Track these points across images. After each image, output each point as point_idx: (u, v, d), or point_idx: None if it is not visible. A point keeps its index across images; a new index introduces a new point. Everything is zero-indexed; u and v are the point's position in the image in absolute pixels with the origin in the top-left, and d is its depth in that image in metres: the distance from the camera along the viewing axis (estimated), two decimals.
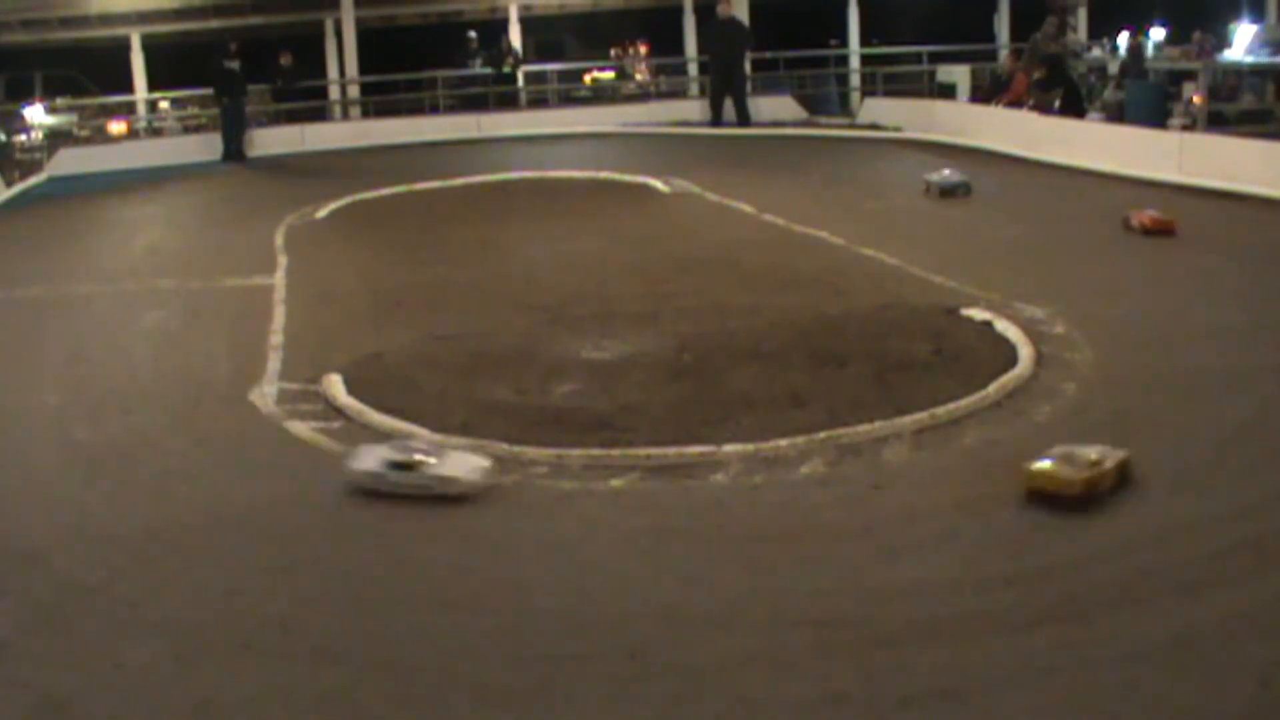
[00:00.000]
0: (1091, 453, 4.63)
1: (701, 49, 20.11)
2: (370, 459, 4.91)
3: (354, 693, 3.51)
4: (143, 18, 20.33)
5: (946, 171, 11.52)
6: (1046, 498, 4.50)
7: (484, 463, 4.93)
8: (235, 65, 16.57)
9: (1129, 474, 4.65)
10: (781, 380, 5.99)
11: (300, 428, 5.74)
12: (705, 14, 19.39)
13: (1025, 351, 6.23)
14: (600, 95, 22.13)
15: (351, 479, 4.89)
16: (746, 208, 10.95)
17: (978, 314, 6.93)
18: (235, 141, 16.47)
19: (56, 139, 18.10)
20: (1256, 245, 8.75)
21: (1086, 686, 3.36)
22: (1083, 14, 20.26)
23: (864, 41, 21.54)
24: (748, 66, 18.44)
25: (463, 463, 4.90)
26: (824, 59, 21.31)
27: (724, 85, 17.35)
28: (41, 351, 7.37)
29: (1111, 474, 4.60)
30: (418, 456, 4.85)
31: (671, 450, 5.17)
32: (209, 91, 17.15)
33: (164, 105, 20.52)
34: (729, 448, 5.17)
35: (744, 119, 17.12)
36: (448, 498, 4.74)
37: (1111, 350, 6.30)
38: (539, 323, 7.34)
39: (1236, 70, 15.08)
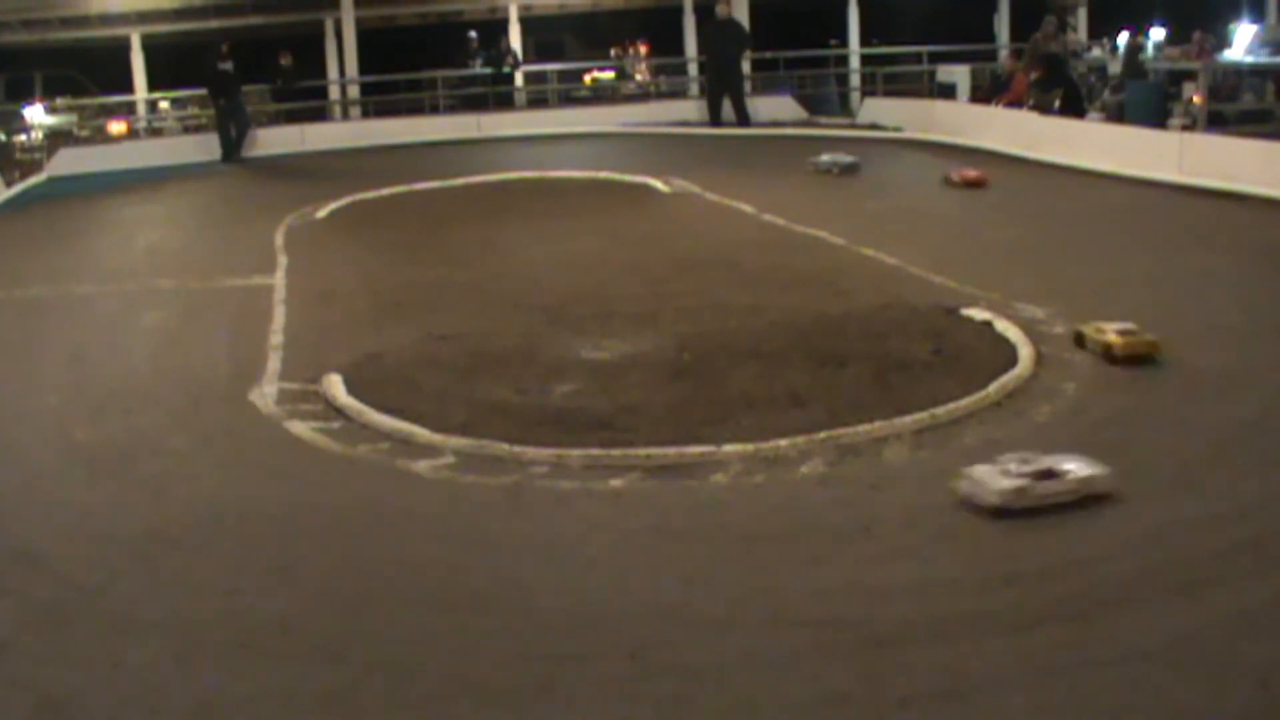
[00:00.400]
0: (1115, 325, 6.15)
1: (700, 49, 20.11)
2: (997, 479, 4.51)
3: (354, 693, 3.51)
4: (143, 18, 20.36)
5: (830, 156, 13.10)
6: (1141, 361, 5.95)
7: (1092, 463, 4.62)
8: (229, 66, 16.54)
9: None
10: (781, 380, 5.99)
11: (300, 428, 5.74)
12: (705, 14, 19.40)
13: (1025, 351, 6.23)
14: (600, 95, 22.15)
15: (983, 501, 4.47)
16: (746, 208, 10.95)
17: (978, 314, 6.92)
18: (234, 142, 16.47)
19: (56, 139, 18.10)
20: (1257, 245, 8.77)
21: (1086, 686, 3.36)
22: (1083, 14, 20.29)
23: (864, 41, 21.56)
24: (746, 67, 18.45)
25: (1076, 463, 4.63)
26: (824, 59, 21.33)
27: (720, 85, 17.35)
28: (41, 351, 7.37)
29: None
30: (1046, 465, 4.56)
31: (671, 450, 5.17)
32: (205, 93, 17.16)
33: (164, 105, 20.54)
34: (729, 448, 5.17)
35: (743, 119, 17.11)
36: (1091, 498, 4.49)
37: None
38: (539, 323, 7.33)
39: (1236, 70, 15.09)
